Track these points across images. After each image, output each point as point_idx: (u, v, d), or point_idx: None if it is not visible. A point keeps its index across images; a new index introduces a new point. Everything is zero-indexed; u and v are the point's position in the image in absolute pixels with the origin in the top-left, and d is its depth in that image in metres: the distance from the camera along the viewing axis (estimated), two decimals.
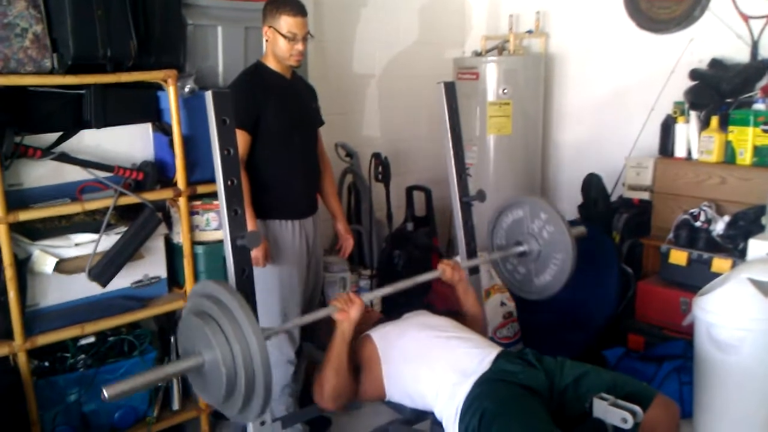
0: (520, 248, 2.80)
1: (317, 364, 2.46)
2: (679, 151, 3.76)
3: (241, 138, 2.63)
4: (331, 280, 3.56)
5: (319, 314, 2.36)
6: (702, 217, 3.47)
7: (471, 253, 2.91)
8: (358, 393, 2.39)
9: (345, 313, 2.32)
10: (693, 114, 3.68)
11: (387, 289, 2.53)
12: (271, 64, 2.83)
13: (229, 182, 2.10)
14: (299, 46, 2.75)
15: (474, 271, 2.92)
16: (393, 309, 2.86)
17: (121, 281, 2.75)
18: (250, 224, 2.61)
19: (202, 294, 1.97)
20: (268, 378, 1.84)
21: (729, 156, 3.54)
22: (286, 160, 2.85)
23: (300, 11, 2.74)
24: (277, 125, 2.80)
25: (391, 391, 2.38)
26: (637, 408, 1.88)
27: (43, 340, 2.60)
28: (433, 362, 2.29)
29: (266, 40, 2.80)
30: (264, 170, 2.81)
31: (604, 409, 1.92)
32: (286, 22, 2.71)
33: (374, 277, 3.65)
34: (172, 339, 2.98)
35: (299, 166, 2.91)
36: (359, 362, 2.41)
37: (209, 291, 1.95)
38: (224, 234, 2.13)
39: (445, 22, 4.85)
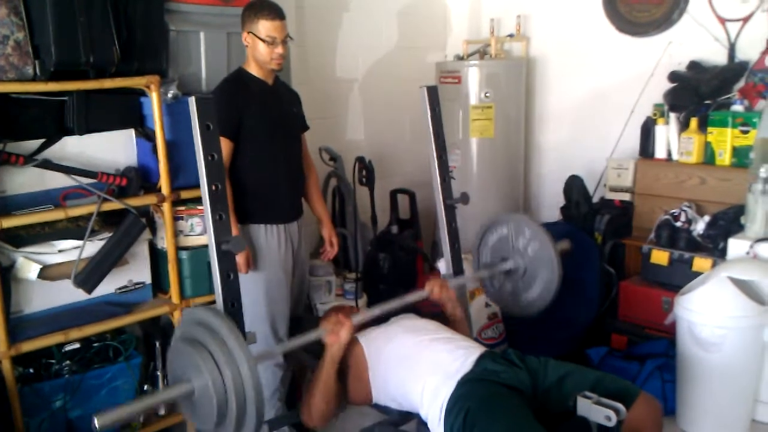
0: (506, 265, 2.80)
1: (304, 366, 2.45)
2: (660, 153, 3.80)
3: (224, 145, 2.63)
4: (317, 284, 3.56)
5: (310, 337, 2.31)
6: (682, 218, 3.51)
7: (456, 255, 2.92)
8: (345, 399, 2.40)
9: (335, 336, 2.31)
10: (672, 116, 3.72)
11: (376, 310, 2.48)
12: (253, 70, 2.83)
13: (213, 187, 2.10)
14: (279, 50, 2.76)
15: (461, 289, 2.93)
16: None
17: (106, 287, 2.74)
18: (233, 230, 2.60)
19: (192, 320, 1.97)
20: (260, 404, 1.83)
21: (708, 157, 3.58)
22: (269, 166, 2.86)
23: (278, 15, 2.74)
24: (259, 131, 2.81)
25: (377, 396, 2.39)
26: (620, 406, 1.90)
27: (28, 346, 2.59)
28: (418, 366, 2.30)
29: (246, 46, 2.81)
30: (247, 176, 2.82)
31: (587, 407, 1.94)
32: (265, 27, 2.72)
33: (359, 280, 3.66)
34: (157, 344, 2.98)
35: (282, 171, 2.91)
36: (346, 366, 2.41)
37: (199, 317, 1.95)
38: (209, 239, 2.14)
39: (426, 26, 4.87)
